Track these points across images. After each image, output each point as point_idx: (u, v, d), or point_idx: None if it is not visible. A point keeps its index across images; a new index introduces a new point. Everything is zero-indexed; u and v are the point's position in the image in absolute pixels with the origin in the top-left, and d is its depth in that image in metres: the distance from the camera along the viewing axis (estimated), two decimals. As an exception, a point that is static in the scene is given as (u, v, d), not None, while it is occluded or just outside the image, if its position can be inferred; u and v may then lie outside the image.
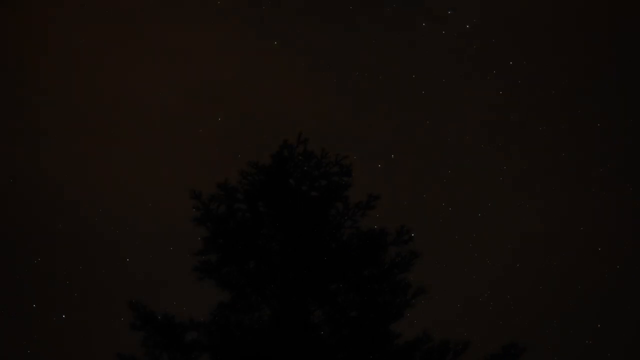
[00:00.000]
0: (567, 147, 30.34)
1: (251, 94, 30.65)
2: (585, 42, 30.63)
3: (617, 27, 30.40)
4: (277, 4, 30.41)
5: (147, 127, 30.28)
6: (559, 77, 30.69)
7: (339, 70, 30.98)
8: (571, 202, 30.44)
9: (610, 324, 28.45)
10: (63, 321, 27.34)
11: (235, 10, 30.48)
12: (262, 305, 15.79)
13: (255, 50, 30.64)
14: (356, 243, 16.00)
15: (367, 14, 30.83)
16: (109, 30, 30.16)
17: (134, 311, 15.25)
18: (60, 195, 29.27)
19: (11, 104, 29.47)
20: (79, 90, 30.38)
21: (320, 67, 31.06)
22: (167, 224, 26.43)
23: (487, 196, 30.31)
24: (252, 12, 30.42)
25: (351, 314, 15.80)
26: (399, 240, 16.09)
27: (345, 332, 15.64)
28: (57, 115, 30.07)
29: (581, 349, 28.21)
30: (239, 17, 30.53)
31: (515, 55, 30.06)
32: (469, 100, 31.06)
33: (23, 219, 29.29)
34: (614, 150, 30.41)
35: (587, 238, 29.63)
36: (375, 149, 29.99)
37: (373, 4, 30.65)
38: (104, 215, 29.01)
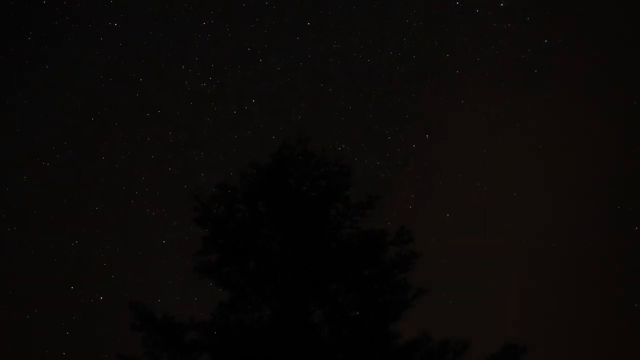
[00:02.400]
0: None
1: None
2: None
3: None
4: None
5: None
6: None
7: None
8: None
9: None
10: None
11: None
12: (262, 305, 15.79)
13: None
14: (356, 243, 16.00)
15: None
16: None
17: (134, 311, 15.22)
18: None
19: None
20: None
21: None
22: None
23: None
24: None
25: (351, 314, 15.80)
26: (399, 240, 16.09)
27: (345, 332, 15.63)
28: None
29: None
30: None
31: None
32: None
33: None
34: None
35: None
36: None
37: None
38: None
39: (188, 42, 31.01)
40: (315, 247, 15.86)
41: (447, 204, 30.51)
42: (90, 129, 30.13)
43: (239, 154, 30.53)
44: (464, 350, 15.64)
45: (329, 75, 31.50)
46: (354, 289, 15.88)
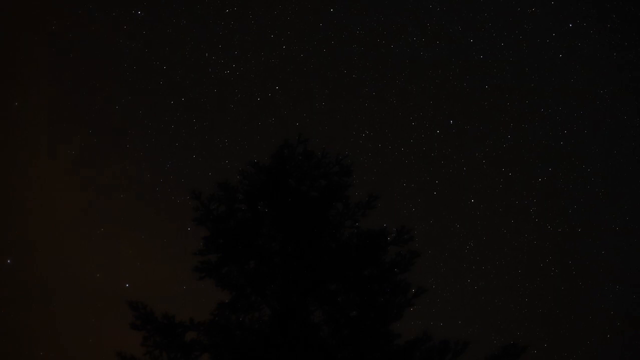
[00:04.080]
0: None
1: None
2: None
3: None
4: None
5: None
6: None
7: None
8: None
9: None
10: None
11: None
12: (262, 305, 15.80)
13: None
14: (356, 243, 15.97)
15: None
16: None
17: (134, 311, 15.32)
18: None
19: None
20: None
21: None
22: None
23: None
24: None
25: (351, 314, 15.76)
26: (400, 239, 16.05)
27: (345, 332, 15.59)
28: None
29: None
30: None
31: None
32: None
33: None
34: None
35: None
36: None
37: None
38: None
39: (211, 30, 31.13)
40: (315, 247, 15.85)
41: (470, 190, 30.52)
42: (116, 116, 30.46)
43: (263, 140, 30.68)
44: (464, 350, 15.58)
45: (352, 61, 31.46)
46: (354, 289, 15.84)
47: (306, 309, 15.67)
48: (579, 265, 30.51)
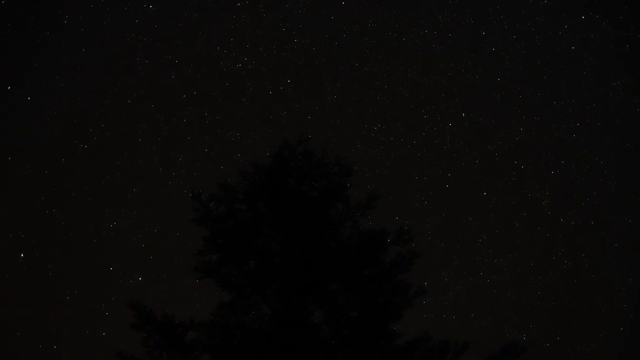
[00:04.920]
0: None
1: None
2: None
3: None
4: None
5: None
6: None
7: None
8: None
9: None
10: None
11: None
12: (262, 305, 15.84)
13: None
14: (356, 243, 15.96)
15: None
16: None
17: (134, 311, 15.39)
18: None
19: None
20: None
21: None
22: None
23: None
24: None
25: (351, 314, 15.78)
26: (400, 239, 16.03)
27: (345, 332, 15.62)
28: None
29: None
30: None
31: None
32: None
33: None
34: None
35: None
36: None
37: None
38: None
39: (223, 24, 31.15)
40: (315, 247, 15.86)
41: (482, 183, 30.45)
42: (127, 111, 30.57)
43: (275, 134, 30.74)
44: (464, 350, 15.57)
45: (364, 54, 31.41)
46: (354, 289, 15.85)
47: (306, 309, 15.70)
48: (592, 259, 30.41)
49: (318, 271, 15.74)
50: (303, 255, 15.75)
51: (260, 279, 15.80)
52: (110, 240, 29.50)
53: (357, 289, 15.86)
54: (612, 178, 30.67)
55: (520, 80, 30.94)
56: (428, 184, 31.30)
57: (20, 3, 29.53)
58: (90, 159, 30.10)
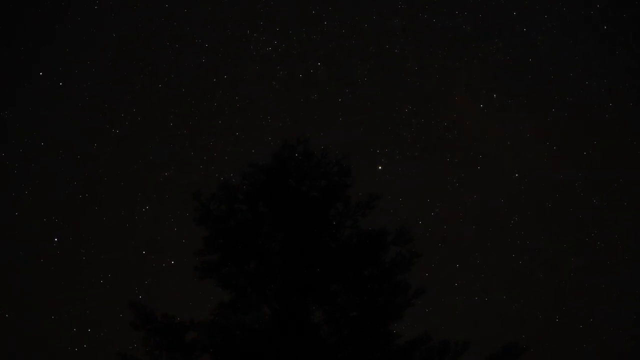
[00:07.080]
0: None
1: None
2: None
3: None
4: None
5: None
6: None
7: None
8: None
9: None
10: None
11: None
12: (262, 305, 15.86)
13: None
14: (356, 243, 15.94)
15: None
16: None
17: (134, 311, 15.53)
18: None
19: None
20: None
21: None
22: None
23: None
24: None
25: (351, 314, 15.79)
26: (400, 239, 15.96)
27: (345, 332, 15.64)
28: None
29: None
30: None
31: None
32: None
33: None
34: None
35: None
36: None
37: None
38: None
39: (253, 7, 31.08)
40: (315, 247, 15.86)
41: (515, 164, 30.14)
42: (158, 95, 30.77)
43: (305, 117, 30.68)
44: (464, 350, 15.52)
45: (394, 36, 31.12)
46: (354, 289, 15.85)
47: (306, 309, 15.71)
48: (625, 239, 29.88)
49: (318, 271, 15.75)
50: (303, 255, 15.75)
51: (260, 279, 15.83)
52: (143, 224, 29.82)
53: (357, 289, 15.86)
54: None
55: (552, 60, 30.42)
56: (459, 165, 31.02)
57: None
58: (122, 144, 30.36)
